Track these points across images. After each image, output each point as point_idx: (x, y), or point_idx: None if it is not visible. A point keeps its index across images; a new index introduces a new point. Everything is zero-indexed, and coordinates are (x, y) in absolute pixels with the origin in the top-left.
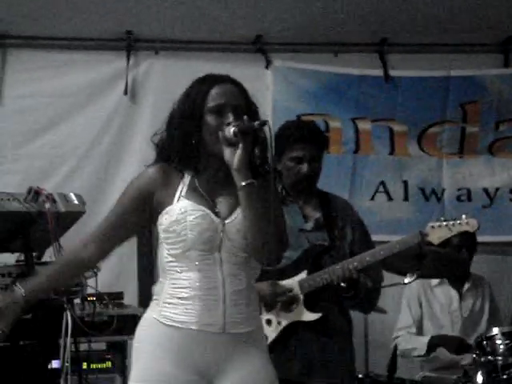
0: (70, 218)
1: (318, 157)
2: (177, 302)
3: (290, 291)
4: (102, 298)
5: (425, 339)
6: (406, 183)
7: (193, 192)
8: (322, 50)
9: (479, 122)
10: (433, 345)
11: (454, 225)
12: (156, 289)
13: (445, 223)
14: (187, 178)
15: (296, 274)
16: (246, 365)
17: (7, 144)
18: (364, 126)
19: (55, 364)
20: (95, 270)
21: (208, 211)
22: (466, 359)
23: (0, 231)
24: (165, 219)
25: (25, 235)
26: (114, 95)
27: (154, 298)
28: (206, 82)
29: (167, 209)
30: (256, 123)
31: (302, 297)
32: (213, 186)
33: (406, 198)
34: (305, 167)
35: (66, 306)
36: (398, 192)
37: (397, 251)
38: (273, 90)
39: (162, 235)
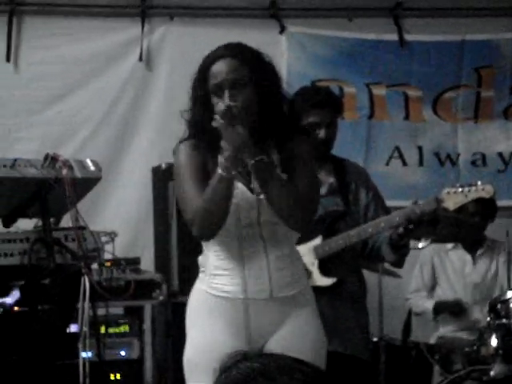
0: (86, 184)
1: (334, 122)
2: (222, 273)
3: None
4: (119, 263)
5: (430, 304)
6: (420, 148)
7: None
8: (337, 15)
9: (494, 86)
10: (438, 311)
11: (469, 191)
12: (201, 260)
13: (460, 189)
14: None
15: (310, 239)
16: (294, 324)
17: (23, 111)
18: (379, 91)
19: (73, 328)
20: (112, 236)
21: (245, 188)
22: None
23: (18, 197)
24: None
25: (42, 201)
26: (130, 62)
27: (201, 269)
28: (206, 61)
29: None
30: (222, 104)
31: (316, 262)
32: (242, 164)
33: (420, 164)
34: (322, 132)
35: (83, 271)
36: (412, 157)
37: (413, 217)
38: (287, 56)
39: None
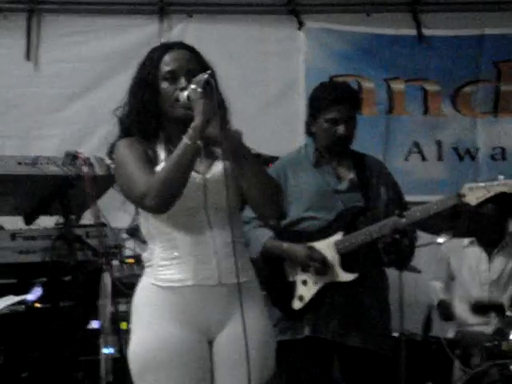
0: (106, 181)
1: (353, 118)
2: (170, 263)
3: (324, 260)
4: (140, 259)
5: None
6: (439, 143)
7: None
8: (355, 10)
9: None
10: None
11: (491, 186)
12: (146, 256)
13: (482, 184)
14: (161, 145)
15: (331, 235)
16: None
17: (44, 109)
18: (397, 86)
19: (94, 324)
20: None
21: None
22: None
23: (39, 195)
24: None
25: (63, 198)
26: None
27: (147, 264)
28: (158, 50)
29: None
30: (203, 75)
31: (338, 257)
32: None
33: (440, 158)
34: (341, 128)
35: (104, 267)
36: (431, 152)
37: (434, 212)
38: (305, 52)
39: None
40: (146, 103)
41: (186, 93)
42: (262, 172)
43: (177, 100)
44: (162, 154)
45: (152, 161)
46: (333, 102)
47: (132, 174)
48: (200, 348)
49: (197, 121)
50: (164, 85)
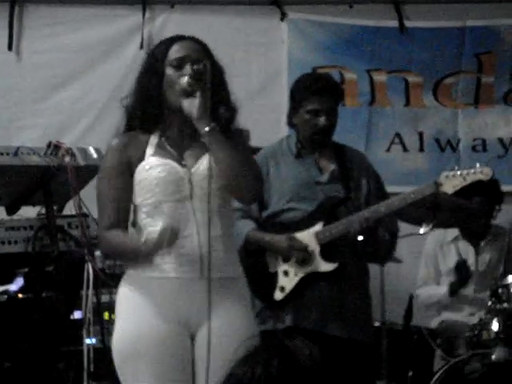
0: (89, 171)
1: (335, 109)
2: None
3: (306, 249)
4: None
5: (443, 289)
6: (421, 134)
7: (160, 150)
8: (337, 1)
9: (495, 72)
10: (453, 290)
11: (468, 174)
12: None
13: (459, 172)
14: (154, 140)
15: (312, 225)
16: (225, 314)
17: (26, 99)
18: (379, 77)
19: (77, 315)
20: None
21: (173, 163)
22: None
23: (21, 185)
24: (134, 179)
25: (45, 189)
26: (131, 50)
27: None
28: (168, 40)
29: (136, 169)
30: (199, 65)
31: (318, 247)
32: (181, 142)
33: (421, 149)
34: (322, 119)
35: (87, 258)
36: (413, 143)
37: (412, 201)
38: (288, 43)
39: (135, 194)
40: (150, 89)
41: (186, 78)
42: (234, 159)
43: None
44: (151, 148)
45: (130, 168)
46: (314, 93)
47: (101, 209)
48: (180, 340)
49: (198, 102)
50: (169, 71)
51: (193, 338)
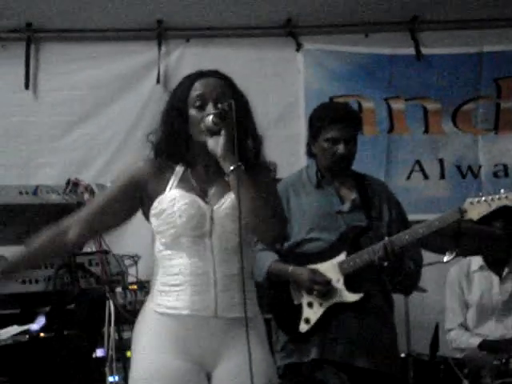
0: None
1: (354, 137)
2: (169, 290)
3: (329, 282)
4: (143, 285)
5: (474, 341)
6: (441, 161)
7: (184, 183)
8: (353, 30)
9: None
10: (483, 348)
11: (492, 199)
12: (152, 280)
13: (483, 198)
14: (179, 171)
15: (335, 256)
16: (243, 354)
17: (44, 137)
18: (397, 105)
19: (100, 352)
20: (135, 259)
21: (196, 198)
22: None
23: (41, 223)
24: (155, 207)
25: None
26: (148, 84)
27: (151, 288)
28: (190, 77)
29: (159, 198)
30: (224, 104)
31: (342, 278)
32: (205, 178)
33: (442, 177)
34: (341, 148)
35: (108, 295)
36: (434, 170)
37: (436, 228)
38: (304, 73)
39: (154, 225)
40: (175, 127)
41: (210, 117)
42: (257, 199)
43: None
44: (175, 179)
45: (143, 191)
46: (332, 122)
47: (89, 203)
48: (196, 378)
49: (222, 140)
50: (192, 111)
51: (209, 378)
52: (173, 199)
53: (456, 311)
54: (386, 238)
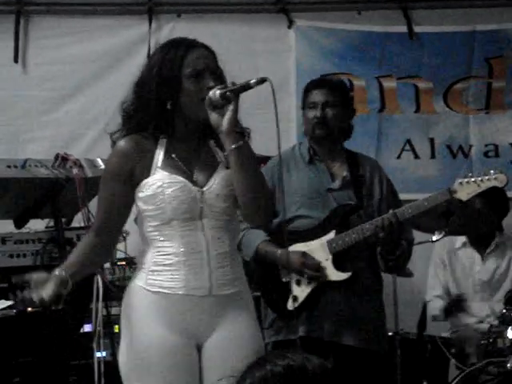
0: (97, 183)
1: (331, 102)
2: (162, 269)
3: (319, 266)
4: (132, 262)
5: (438, 304)
6: (432, 141)
7: (169, 161)
8: (345, 8)
9: (505, 76)
10: (448, 311)
11: (482, 180)
12: (140, 258)
13: (473, 179)
14: (162, 147)
15: (324, 234)
16: (232, 327)
17: (33, 111)
18: (389, 84)
19: (87, 328)
20: (124, 235)
21: (186, 181)
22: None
23: (29, 198)
24: (142, 193)
25: (54, 201)
26: (138, 59)
27: (139, 266)
28: (180, 47)
29: (144, 182)
30: (253, 81)
31: (330, 257)
32: (189, 154)
33: (432, 156)
34: (316, 112)
35: (96, 270)
36: (424, 150)
37: (425, 209)
38: (296, 51)
39: (141, 208)
40: (166, 99)
41: (218, 91)
42: (255, 179)
43: (203, 99)
44: (158, 158)
45: (133, 174)
46: (312, 88)
47: (98, 209)
48: (188, 351)
49: (231, 115)
50: (188, 83)
51: (199, 349)
52: (161, 185)
53: (436, 286)
54: (376, 219)
